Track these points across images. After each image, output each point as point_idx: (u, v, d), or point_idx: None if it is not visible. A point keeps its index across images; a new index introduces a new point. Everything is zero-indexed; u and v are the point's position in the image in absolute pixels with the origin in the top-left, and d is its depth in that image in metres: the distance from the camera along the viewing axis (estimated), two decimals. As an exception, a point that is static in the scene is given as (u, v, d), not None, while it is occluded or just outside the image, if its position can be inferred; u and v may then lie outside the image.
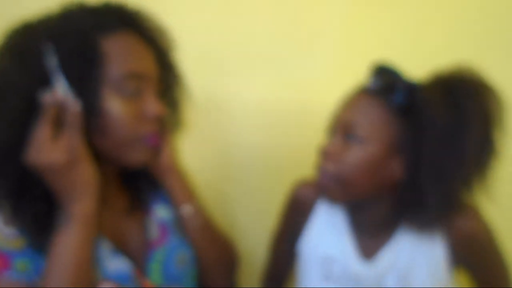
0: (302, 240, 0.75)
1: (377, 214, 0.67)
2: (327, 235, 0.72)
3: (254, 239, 0.95)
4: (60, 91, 0.53)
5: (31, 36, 0.54)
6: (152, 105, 0.57)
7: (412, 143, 0.60)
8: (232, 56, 0.96)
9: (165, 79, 0.64)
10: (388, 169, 0.62)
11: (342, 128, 0.65)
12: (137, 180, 0.67)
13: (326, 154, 0.65)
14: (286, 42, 0.95)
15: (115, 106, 0.54)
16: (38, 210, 0.53)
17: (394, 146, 0.62)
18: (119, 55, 0.55)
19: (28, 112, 0.52)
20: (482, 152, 0.60)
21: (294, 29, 0.95)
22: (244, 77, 0.96)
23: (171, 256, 0.64)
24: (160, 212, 0.67)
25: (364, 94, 0.65)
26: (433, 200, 0.60)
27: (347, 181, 0.63)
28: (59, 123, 0.52)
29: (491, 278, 0.67)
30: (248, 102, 0.97)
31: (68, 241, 0.52)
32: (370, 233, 0.69)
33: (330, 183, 0.64)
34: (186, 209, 0.66)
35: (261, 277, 0.87)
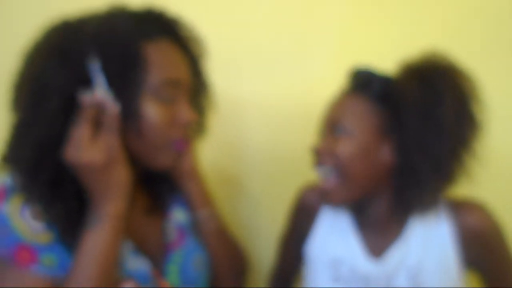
0: (309, 243, 0.77)
1: (379, 211, 0.69)
2: (334, 237, 0.74)
3: (263, 238, 0.97)
4: (100, 92, 0.54)
5: (75, 36, 0.55)
6: (186, 112, 0.59)
7: (395, 126, 0.64)
8: (230, 56, 0.97)
9: (195, 85, 0.66)
10: (379, 155, 0.66)
11: (329, 126, 0.69)
12: (157, 184, 0.69)
13: (319, 153, 0.69)
14: (291, 42, 0.97)
15: (152, 110, 0.56)
16: (70, 207, 0.54)
17: (380, 132, 0.66)
18: (159, 61, 0.57)
19: (67, 111, 0.53)
20: (461, 124, 0.63)
21: (298, 29, 0.97)
22: (248, 77, 0.98)
23: (188, 259, 0.66)
24: (178, 216, 0.69)
25: (345, 94, 0.71)
26: (426, 173, 0.63)
27: (347, 174, 0.66)
28: (97, 124, 0.54)
29: (501, 276, 0.69)
30: (253, 101, 0.98)
31: (99, 239, 0.53)
32: (377, 231, 0.71)
33: (332, 183, 0.67)
34: (203, 213, 0.69)
35: (268, 277, 0.90)
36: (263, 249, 1.00)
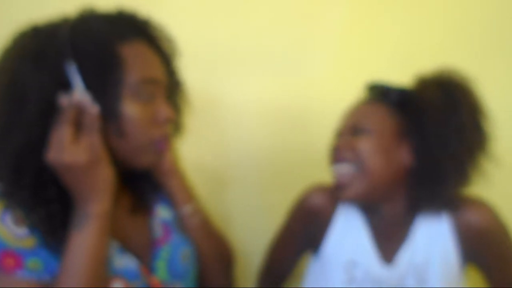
0: (323, 245, 0.78)
1: (391, 214, 0.72)
2: (349, 239, 0.75)
3: (251, 238, 0.98)
4: (79, 94, 0.54)
5: (49, 40, 0.55)
6: (164, 110, 0.61)
7: (413, 130, 0.69)
8: (230, 56, 0.98)
9: (169, 85, 0.67)
10: (397, 156, 0.70)
11: (348, 128, 0.72)
12: (139, 183, 0.69)
13: (339, 149, 0.70)
14: (285, 42, 0.98)
15: (132, 109, 0.57)
16: (52, 211, 0.54)
17: (398, 134, 0.70)
18: (136, 61, 0.58)
19: (46, 115, 0.53)
20: (476, 129, 0.69)
21: (293, 30, 0.98)
22: (243, 77, 0.99)
23: (175, 253, 0.67)
24: (162, 213, 0.70)
25: (363, 103, 0.75)
26: (447, 173, 0.67)
27: (366, 169, 0.68)
28: (78, 126, 0.54)
29: (503, 275, 0.70)
30: (246, 102, 0.99)
31: (86, 239, 0.54)
32: (388, 236, 0.73)
33: (350, 176, 0.69)
34: (186, 209, 0.70)
35: (258, 277, 0.90)
36: (249, 245, 1.01)
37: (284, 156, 0.99)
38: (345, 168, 0.70)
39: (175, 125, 0.71)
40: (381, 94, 0.74)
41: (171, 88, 0.68)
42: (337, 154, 0.71)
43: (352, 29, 0.98)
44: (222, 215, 0.98)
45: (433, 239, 0.71)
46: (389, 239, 0.73)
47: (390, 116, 0.71)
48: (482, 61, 0.94)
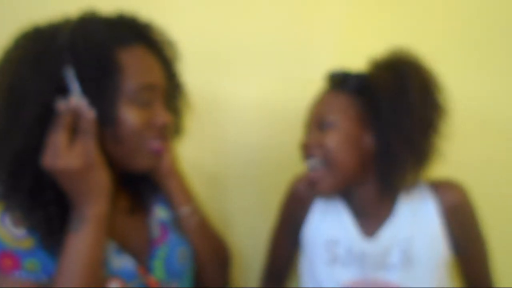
0: (305, 229, 0.81)
1: (366, 196, 0.75)
2: (328, 220, 0.79)
3: (251, 237, 0.99)
4: (76, 99, 0.55)
5: (48, 44, 0.55)
6: (161, 115, 0.61)
7: (373, 115, 0.71)
8: (231, 55, 0.98)
9: (169, 88, 0.67)
10: (362, 143, 0.72)
11: (315, 122, 0.75)
12: (138, 184, 0.70)
13: (308, 146, 0.74)
14: (286, 41, 0.97)
15: (129, 115, 0.58)
16: (51, 213, 0.55)
17: (360, 122, 0.73)
18: (134, 67, 0.58)
19: (44, 119, 0.54)
20: (427, 108, 0.71)
21: (294, 28, 0.97)
22: (243, 76, 0.98)
23: (172, 252, 0.68)
24: (160, 213, 0.71)
25: (325, 92, 0.78)
26: (403, 155, 0.70)
27: (335, 163, 0.71)
28: (74, 130, 0.55)
29: (472, 244, 0.77)
30: (247, 101, 0.99)
31: (83, 242, 0.55)
32: (369, 213, 0.76)
33: (320, 172, 0.72)
34: (185, 211, 0.70)
35: (260, 276, 0.90)
36: (247, 245, 1.02)
37: (284, 156, 0.99)
38: (315, 164, 0.73)
39: (175, 127, 0.71)
40: (340, 82, 0.76)
41: (171, 91, 0.68)
42: (307, 151, 0.74)
43: (352, 29, 0.97)
44: (220, 216, 0.98)
45: (418, 218, 0.75)
46: (370, 216, 0.76)
47: (351, 104, 0.73)
48: (483, 60, 0.93)
